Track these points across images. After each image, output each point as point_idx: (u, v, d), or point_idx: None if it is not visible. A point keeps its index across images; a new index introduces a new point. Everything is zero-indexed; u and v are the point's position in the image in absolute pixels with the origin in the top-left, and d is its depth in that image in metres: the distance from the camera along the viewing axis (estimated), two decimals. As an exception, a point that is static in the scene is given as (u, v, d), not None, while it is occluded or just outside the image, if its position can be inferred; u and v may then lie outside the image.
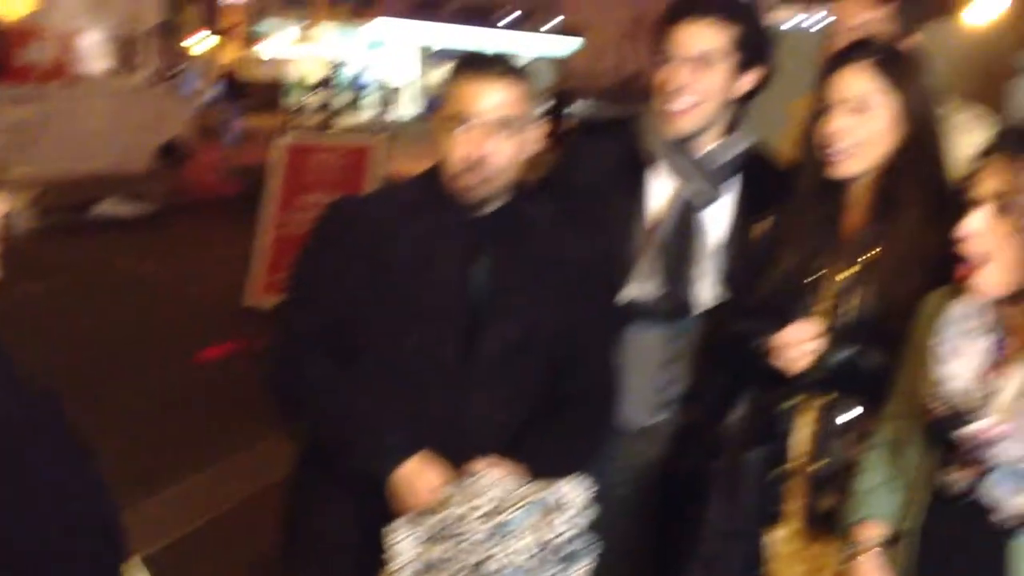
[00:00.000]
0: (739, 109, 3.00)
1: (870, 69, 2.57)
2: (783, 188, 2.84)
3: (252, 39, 36.12)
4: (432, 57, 45.63)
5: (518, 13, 56.86)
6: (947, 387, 2.19)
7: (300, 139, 11.26)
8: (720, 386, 2.89)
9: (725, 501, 2.71)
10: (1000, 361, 2.17)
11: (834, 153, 2.58)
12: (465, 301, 2.65)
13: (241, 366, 7.15)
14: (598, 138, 3.27)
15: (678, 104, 2.89)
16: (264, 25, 40.38)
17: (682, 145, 2.96)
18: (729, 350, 2.77)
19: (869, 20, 3.14)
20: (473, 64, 2.66)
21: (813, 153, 2.65)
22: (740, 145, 3.01)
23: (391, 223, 2.68)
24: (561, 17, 58.43)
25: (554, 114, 21.68)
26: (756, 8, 3.05)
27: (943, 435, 2.20)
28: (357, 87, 41.43)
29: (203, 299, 9.79)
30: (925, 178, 2.55)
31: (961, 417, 2.16)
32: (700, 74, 2.88)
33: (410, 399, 2.60)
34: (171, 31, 27.34)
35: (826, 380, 2.57)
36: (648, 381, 3.02)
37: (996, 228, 2.11)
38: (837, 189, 2.65)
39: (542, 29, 56.82)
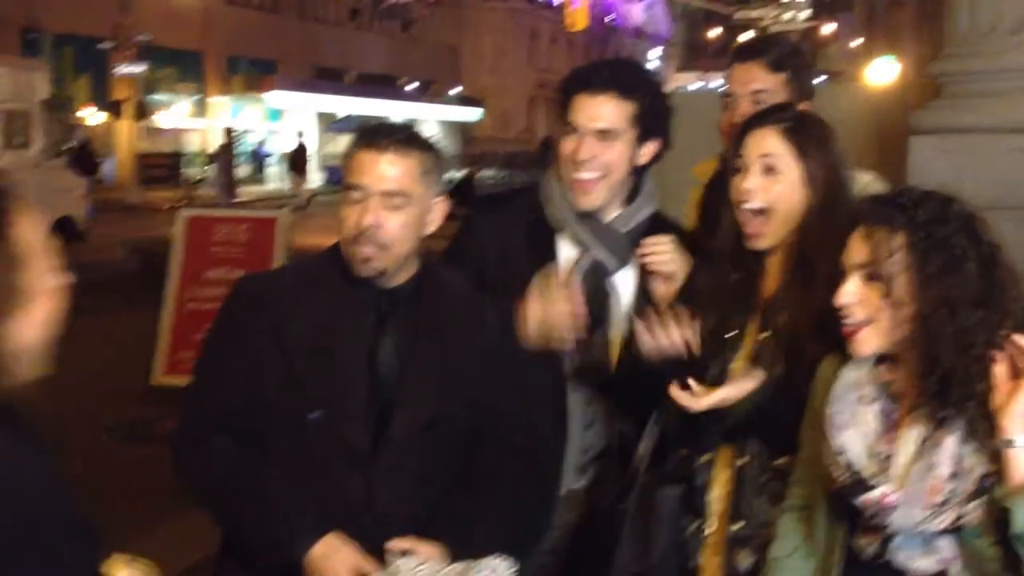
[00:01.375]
0: (640, 177, 3.12)
1: (778, 134, 2.69)
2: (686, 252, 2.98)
3: (145, 111, 35.82)
4: (333, 127, 45.70)
5: (417, 83, 57.30)
6: (844, 455, 2.28)
7: (202, 211, 11.17)
8: (628, 435, 3.00)
9: (635, 542, 2.77)
10: (892, 427, 2.28)
11: (751, 211, 2.69)
12: (372, 380, 2.65)
13: (149, 447, 7.07)
14: (500, 208, 3.37)
15: (586, 175, 3.00)
16: (158, 97, 40.14)
17: (590, 213, 3.06)
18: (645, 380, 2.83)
19: (763, 88, 3.30)
20: (369, 135, 2.68)
21: (730, 214, 2.75)
22: (644, 212, 3.13)
23: (293, 300, 2.69)
24: (460, 88, 58.99)
25: (465, 186, 21.69)
26: (654, 78, 3.18)
27: (845, 502, 2.29)
28: (259, 157, 41.28)
29: (107, 381, 9.63)
30: (834, 244, 2.67)
31: (860, 485, 2.25)
32: (604, 147, 2.99)
33: (318, 484, 2.60)
34: (61, 105, 26.99)
35: (737, 428, 2.65)
36: (571, 445, 3.08)
37: (868, 295, 2.25)
38: (755, 251, 2.75)
39: (443, 97, 57.24)
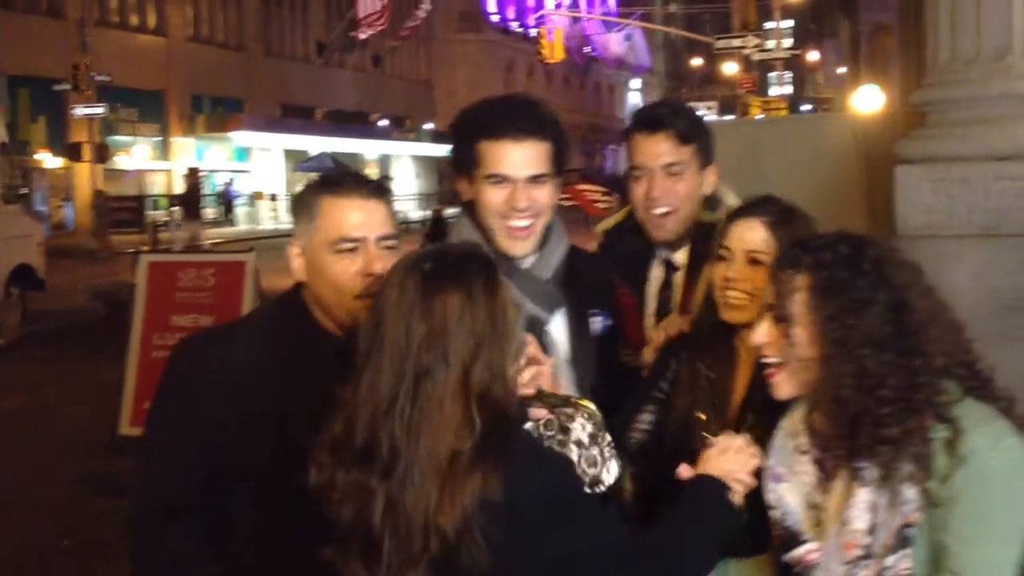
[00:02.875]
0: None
1: (764, 227, 2.79)
2: (605, 283, 3.15)
3: (106, 154, 35.80)
4: (302, 166, 45.75)
5: (390, 119, 57.44)
6: (779, 509, 2.36)
7: (164, 256, 11.16)
8: None
9: None
10: (827, 476, 2.34)
11: (733, 299, 2.79)
12: None
13: (116, 499, 7.05)
14: None
15: (523, 222, 3.03)
16: (118, 139, 40.14)
17: (510, 262, 3.05)
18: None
19: (674, 160, 3.36)
20: (342, 182, 2.68)
21: (708, 300, 2.86)
22: (559, 252, 3.16)
23: (255, 364, 2.62)
24: (431, 125, 59.15)
25: (440, 224, 21.62)
26: (554, 114, 3.17)
27: (781, 557, 2.36)
28: (226, 199, 41.27)
29: (73, 432, 9.61)
30: None
31: (793, 539, 2.32)
32: (536, 191, 3.02)
33: (300, 567, 2.48)
34: (17, 149, 26.88)
35: None
36: None
37: (777, 336, 2.35)
38: (735, 334, 2.84)
39: (417, 133, 57.40)
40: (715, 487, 2.37)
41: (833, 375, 2.24)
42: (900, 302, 2.25)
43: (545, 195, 3.04)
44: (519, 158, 3.00)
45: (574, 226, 3.95)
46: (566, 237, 3.20)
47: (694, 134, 3.39)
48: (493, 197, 3.02)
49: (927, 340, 2.24)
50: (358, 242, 2.63)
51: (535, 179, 3.01)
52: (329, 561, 2.24)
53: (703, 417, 2.82)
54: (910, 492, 2.17)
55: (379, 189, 2.71)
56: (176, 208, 36.04)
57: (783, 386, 2.37)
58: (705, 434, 2.70)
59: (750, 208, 2.87)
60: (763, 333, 2.38)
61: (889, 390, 2.19)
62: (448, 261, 2.24)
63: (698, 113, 3.59)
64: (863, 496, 2.21)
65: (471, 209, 3.10)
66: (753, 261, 2.77)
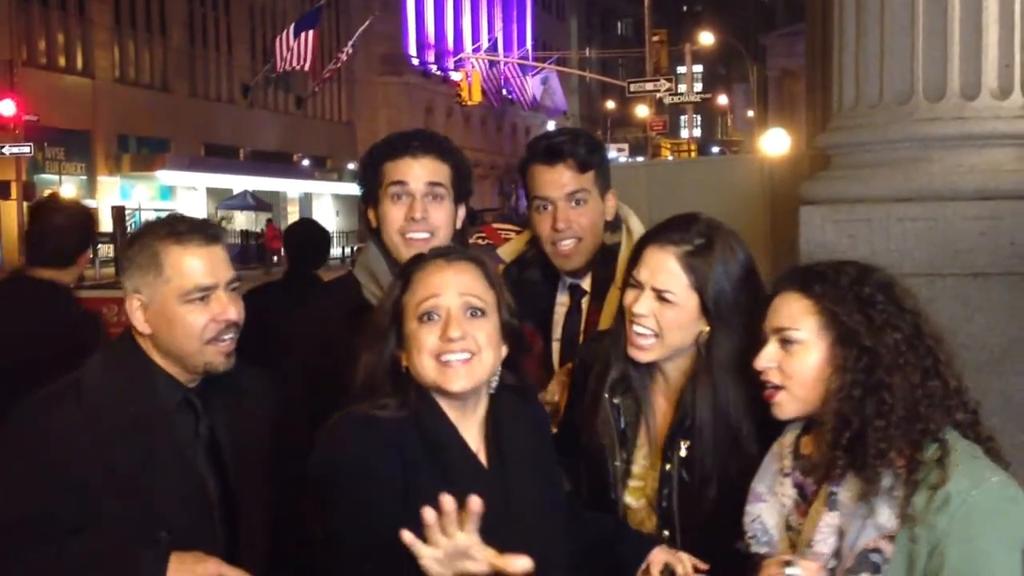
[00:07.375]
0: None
1: (676, 260, 2.63)
2: None
3: (33, 192, 35.19)
4: (225, 204, 45.38)
5: (312, 159, 57.19)
6: (753, 527, 2.34)
7: (91, 293, 10.95)
8: None
9: None
10: (808, 500, 2.32)
11: (638, 334, 2.66)
12: (205, 487, 2.60)
13: None
14: (316, 298, 3.43)
15: (421, 234, 3.02)
16: (45, 177, 39.50)
17: None
18: None
19: (577, 188, 3.33)
20: (187, 231, 2.66)
21: (617, 326, 2.75)
22: None
23: (101, 420, 2.55)
24: (353, 165, 58.98)
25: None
26: (455, 146, 3.21)
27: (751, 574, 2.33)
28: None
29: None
30: (736, 356, 2.60)
31: (762, 558, 2.30)
32: (434, 206, 3.05)
33: None
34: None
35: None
36: None
37: (784, 359, 2.32)
38: (648, 369, 2.74)
39: (340, 172, 57.20)
40: None
41: (842, 395, 2.22)
42: (914, 326, 2.25)
43: (442, 213, 3.04)
44: (418, 171, 3.02)
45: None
46: None
47: (594, 161, 3.35)
48: (394, 211, 3.04)
49: (940, 362, 2.24)
50: (209, 290, 2.62)
51: (432, 187, 3.02)
52: None
53: (609, 444, 2.73)
54: (883, 515, 2.15)
55: (216, 235, 2.70)
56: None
57: (784, 406, 2.34)
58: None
59: (666, 234, 2.68)
60: (768, 357, 2.34)
61: (900, 410, 2.18)
62: None
63: (596, 141, 3.55)
64: (830, 520, 2.20)
65: (377, 237, 3.11)
66: (661, 299, 2.63)
